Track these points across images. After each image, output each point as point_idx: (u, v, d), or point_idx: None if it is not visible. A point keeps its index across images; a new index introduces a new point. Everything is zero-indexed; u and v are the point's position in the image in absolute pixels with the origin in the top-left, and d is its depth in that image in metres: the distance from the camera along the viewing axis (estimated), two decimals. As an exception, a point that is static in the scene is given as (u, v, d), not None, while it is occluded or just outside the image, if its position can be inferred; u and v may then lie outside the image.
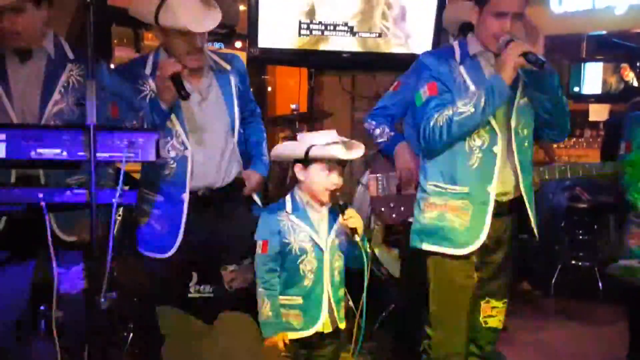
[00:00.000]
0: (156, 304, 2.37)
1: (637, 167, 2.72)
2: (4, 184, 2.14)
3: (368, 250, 2.28)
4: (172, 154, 2.50)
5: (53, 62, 2.38)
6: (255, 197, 2.78)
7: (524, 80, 2.33)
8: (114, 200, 1.96)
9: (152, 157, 2.01)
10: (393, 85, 2.97)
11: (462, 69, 2.35)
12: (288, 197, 2.33)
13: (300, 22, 3.95)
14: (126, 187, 1.99)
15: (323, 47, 4.03)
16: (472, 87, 2.31)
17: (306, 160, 2.25)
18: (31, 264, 2.37)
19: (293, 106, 4.16)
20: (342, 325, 2.33)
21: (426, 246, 2.40)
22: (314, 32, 3.98)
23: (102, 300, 1.93)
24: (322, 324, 2.26)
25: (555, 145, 4.94)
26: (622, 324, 3.10)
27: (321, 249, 2.26)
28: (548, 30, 2.33)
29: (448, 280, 2.40)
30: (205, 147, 2.54)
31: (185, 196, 2.51)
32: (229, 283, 2.64)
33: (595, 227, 4.82)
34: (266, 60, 4.75)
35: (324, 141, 2.23)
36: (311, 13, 3.96)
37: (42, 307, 2.61)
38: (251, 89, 2.86)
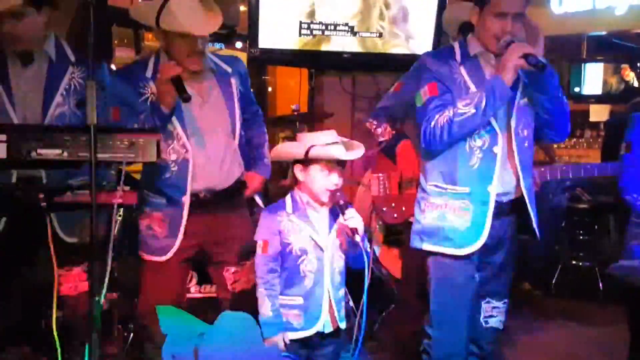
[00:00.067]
0: (156, 305, 2.37)
1: None
2: (5, 184, 2.14)
3: (368, 250, 2.28)
4: (173, 156, 2.50)
5: (54, 64, 2.39)
6: (257, 199, 2.78)
7: (524, 80, 2.33)
8: (114, 200, 1.97)
9: (153, 158, 2.01)
10: (394, 85, 2.98)
11: (462, 69, 2.35)
12: (288, 197, 2.33)
13: (300, 23, 3.95)
14: (127, 188, 2.00)
15: (323, 47, 4.03)
16: (472, 88, 2.31)
17: (306, 161, 2.25)
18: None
19: (293, 106, 4.16)
20: (343, 325, 2.33)
21: (427, 246, 2.41)
22: (314, 33, 3.98)
23: (102, 300, 1.93)
24: (323, 324, 2.26)
25: (555, 146, 4.94)
26: (622, 324, 3.09)
27: (321, 249, 2.26)
28: (548, 30, 2.33)
29: (448, 280, 2.40)
30: (207, 150, 2.54)
31: (186, 199, 2.51)
32: (231, 285, 2.64)
33: (596, 227, 4.82)
34: (267, 60, 4.75)
35: (323, 141, 2.23)
36: (311, 13, 3.96)
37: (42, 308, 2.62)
38: (252, 90, 2.87)
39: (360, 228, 2.21)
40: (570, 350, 3.68)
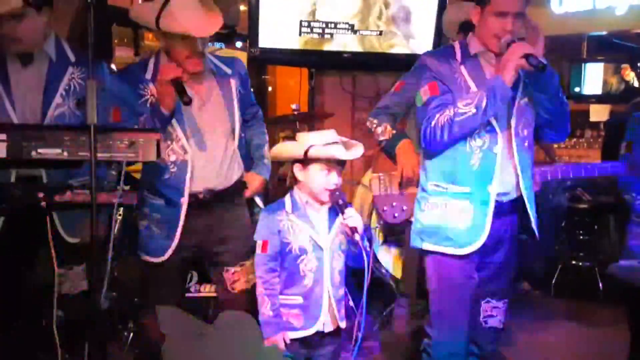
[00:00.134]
0: (156, 305, 2.37)
1: None
2: (5, 184, 2.14)
3: (368, 249, 2.28)
4: (172, 158, 2.50)
5: (54, 65, 2.39)
6: (257, 200, 2.78)
7: (525, 80, 2.33)
8: (114, 200, 1.97)
9: (153, 157, 2.01)
10: (395, 85, 2.98)
11: (462, 69, 2.35)
12: (287, 197, 2.33)
13: (300, 22, 3.95)
14: (127, 187, 2.00)
15: (324, 47, 4.03)
16: (472, 87, 2.31)
17: (305, 160, 2.25)
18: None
19: (294, 106, 4.16)
20: (343, 325, 2.33)
21: (427, 246, 2.41)
22: (314, 32, 3.98)
23: (103, 300, 1.93)
24: (323, 324, 2.26)
25: (555, 146, 4.94)
26: (622, 324, 3.09)
27: (321, 249, 2.26)
28: (548, 30, 2.33)
29: (448, 280, 2.40)
30: (206, 151, 2.54)
31: (184, 200, 2.50)
32: (231, 285, 2.64)
33: (596, 227, 4.82)
34: (267, 60, 4.76)
35: (323, 141, 2.23)
36: (312, 13, 3.96)
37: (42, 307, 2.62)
38: (252, 90, 2.87)
39: (360, 227, 2.21)
40: (570, 350, 3.68)
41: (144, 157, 2.00)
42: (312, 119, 4.30)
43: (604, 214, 4.75)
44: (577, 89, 5.61)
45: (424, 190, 2.44)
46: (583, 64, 5.65)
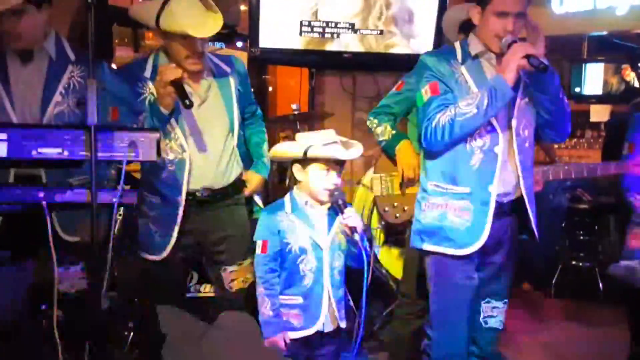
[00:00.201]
0: (155, 304, 2.37)
1: None
2: (4, 184, 2.14)
3: (368, 249, 2.28)
4: (171, 156, 2.50)
5: (54, 63, 2.39)
6: (256, 198, 2.78)
7: (525, 80, 2.33)
8: (114, 200, 1.97)
9: (153, 157, 2.01)
10: (397, 84, 2.98)
11: (463, 69, 2.35)
12: (287, 197, 2.33)
13: (301, 22, 3.95)
14: (127, 187, 2.00)
15: (324, 47, 4.03)
16: (473, 87, 2.31)
17: (304, 161, 2.25)
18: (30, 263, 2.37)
19: (294, 106, 4.16)
20: (343, 325, 2.33)
21: (427, 246, 2.40)
22: (315, 32, 3.98)
23: (103, 299, 1.93)
24: (323, 323, 2.26)
25: (556, 146, 4.94)
26: (622, 324, 3.10)
27: (321, 248, 2.26)
28: (549, 30, 2.32)
29: (448, 280, 2.39)
30: (204, 150, 2.54)
31: (181, 199, 2.50)
32: (228, 284, 2.64)
33: (596, 227, 4.82)
34: (267, 60, 4.76)
35: (322, 141, 2.23)
36: (312, 13, 3.96)
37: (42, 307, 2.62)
38: (252, 90, 2.86)
39: (359, 227, 2.21)
40: (571, 350, 3.68)
41: (144, 156, 2.00)
42: (312, 119, 4.30)
43: (604, 214, 4.75)
44: (577, 89, 5.60)
45: (424, 190, 2.44)
46: (583, 64, 5.64)
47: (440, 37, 4.00)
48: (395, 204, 3.03)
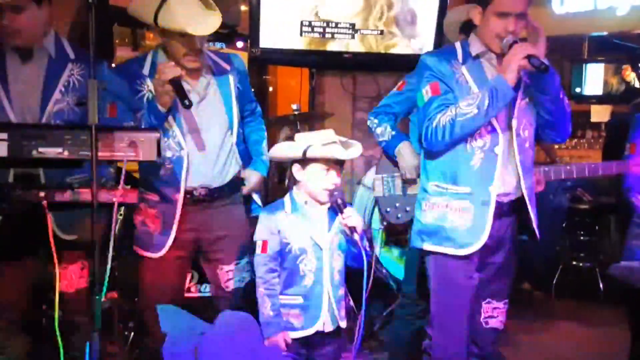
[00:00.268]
0: (155, 303, 2.37)
1: None
2: (4, 184, 2.14)
3: (368, 249, 2.28)
4: (169, 154, 2.49)
5: (54, 61, 2.38)
6: (255, 197, 2.77)
7: (526, 81, 2.33)
8: (114, 199, 1.96)
9: (153, 156, 2.01)
10: (398, 84, 2.98)
11: (464, 69, 2.35)
12: (287, 197, 2.33)
13: (302, 22, 3.95)
14: (127, 187, 2.00)
15: (324, 47, 4.03)
16: (474, 88, 2.31)
17: (304, 161, 2.25)
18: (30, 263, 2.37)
19: (294, 106, 4.16)
20: (343, 325, 2.33)
21: (427, 246, 2.40)
22: (315, 32, 3.98)
23: (103, 299, 1.93)
24: (323, 323, 2.26)
25: (556, 146, 4.94)
26: (622, 325, 3.10)
27: (321, 248, 2.26)
28: (549, 30, 2.32)
29: (449, 280, 2.39)
30: (202, 147, 2.53)
31: (179, 197, 2.50)
32: (225, 283, 2.64)
33: (597, 228, 4.82)
34: (267, 60, 4.76)
35: (321, 141, 2.23)
36: (313, 13, 3.96)
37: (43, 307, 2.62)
38: (252, 89, 2.86)
39: (359, 226, 2.21)
40: (571, 350, 3.68)
41: (144, 156, 2.00)
42: (312, 119, 4.30)
43: (604, 214, 4.76)
44: (578, 90, 5.61)
45: (424, 190, 2.44)
46: (584, 65, 5.64)
47: (441, 38, 4.00)
48: (397, 204, 3.03)
